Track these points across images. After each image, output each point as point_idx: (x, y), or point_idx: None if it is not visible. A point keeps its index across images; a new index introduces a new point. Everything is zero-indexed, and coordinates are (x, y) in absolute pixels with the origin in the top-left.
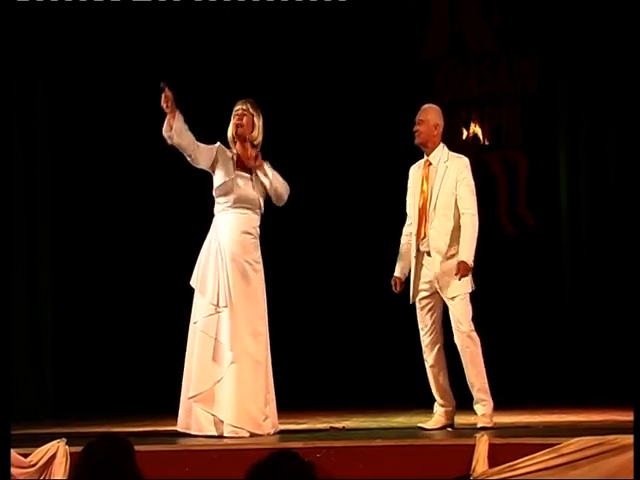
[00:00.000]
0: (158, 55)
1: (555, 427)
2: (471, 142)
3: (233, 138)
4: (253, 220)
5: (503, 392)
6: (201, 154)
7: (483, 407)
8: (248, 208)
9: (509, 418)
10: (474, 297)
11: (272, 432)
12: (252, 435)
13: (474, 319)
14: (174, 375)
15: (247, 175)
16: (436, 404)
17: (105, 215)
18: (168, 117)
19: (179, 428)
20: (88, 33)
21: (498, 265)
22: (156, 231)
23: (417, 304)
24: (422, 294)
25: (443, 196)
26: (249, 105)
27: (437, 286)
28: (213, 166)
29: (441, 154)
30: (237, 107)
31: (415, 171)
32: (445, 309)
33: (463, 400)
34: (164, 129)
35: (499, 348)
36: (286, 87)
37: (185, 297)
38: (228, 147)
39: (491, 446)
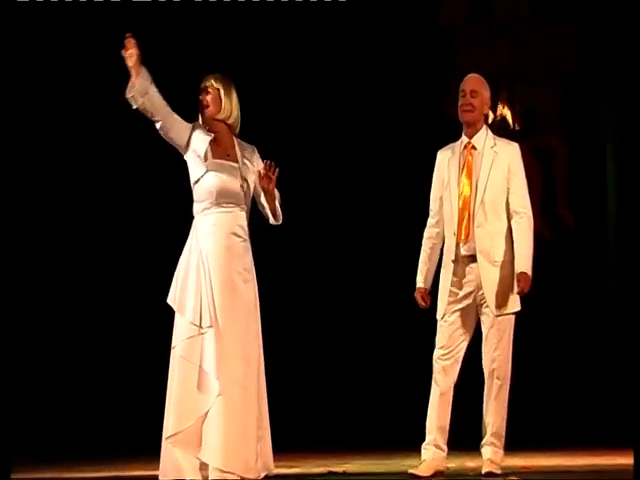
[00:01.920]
0: (158, 55)
1: (602, 471)
2: (498, 126)
3: (203, 123)
4: (240, 218)
5: (540, 430)
6: (173, 124)
7: (494, 452)
8: (233, 204)
9: (546, 460)
10: None
11: (262, 476)
12: None
13: None
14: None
15: (230, 164)
16: (426, 446)
17: (104, 215)
18: (132, 75)
19: (162, 477)
20: (88, 33)
21: (533, 277)
22: (155, 232)
23: (446, 319)
24: (457, 306)
25: (492, 189)
26: (213, 80)
27: (481, 298)
28: (187, 145)
29: (486, 137)
30: (200, 85)
31: (448, 156)
32: (477, 327)
33: (455, 441)
34: (127, 89)
35: (538, 379)
36: (286, 87)
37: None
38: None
39: None
